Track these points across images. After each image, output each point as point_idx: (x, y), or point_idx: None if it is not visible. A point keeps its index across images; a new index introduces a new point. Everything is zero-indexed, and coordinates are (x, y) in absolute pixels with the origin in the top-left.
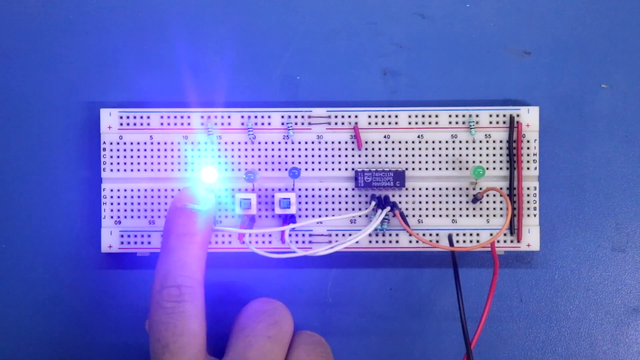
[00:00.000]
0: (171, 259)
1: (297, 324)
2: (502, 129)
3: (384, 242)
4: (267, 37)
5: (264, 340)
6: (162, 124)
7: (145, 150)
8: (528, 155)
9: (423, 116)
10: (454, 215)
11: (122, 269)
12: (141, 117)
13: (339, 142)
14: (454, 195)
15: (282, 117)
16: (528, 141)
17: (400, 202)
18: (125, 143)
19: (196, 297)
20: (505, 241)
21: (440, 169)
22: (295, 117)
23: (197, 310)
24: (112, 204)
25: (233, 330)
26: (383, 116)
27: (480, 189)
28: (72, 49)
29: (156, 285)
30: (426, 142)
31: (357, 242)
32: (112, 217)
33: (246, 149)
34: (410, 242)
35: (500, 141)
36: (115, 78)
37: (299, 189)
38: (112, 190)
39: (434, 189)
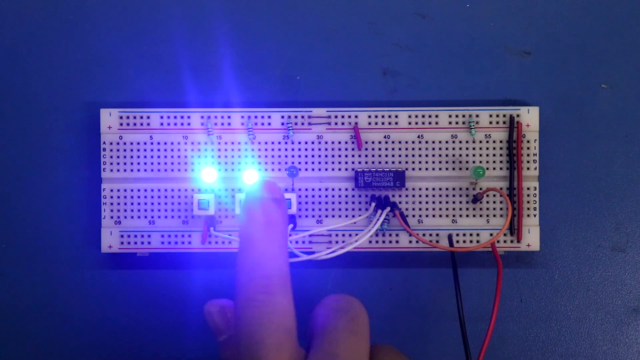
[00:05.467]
0: (257, 250)
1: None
2: (502, 129)
3: (384, 242)
4: (267, 37)
5: (348, 335)
6: (162, 124)
7: (145, 150)
8: (528, 155)
9: (423, 116)
10: (454, 216)
11: (122, 269)
12: (141, 117)
13: (339, 142)
14: (454, 195)
15: (282, 117)
16: (528, 141)
17: (400, 202)
18: (125, 143)
19: (288, 289)
20: (505, 241)
21: (440, 169)
22: (295, 117)
23: (289, 302)
24: (112, 204)
25: (313, 328)
26: (383, 116)
27: (481, 189)
28: (72, 49)
29: (241, 278)
30: (426, 142)
31: (357, 242)
32: (112, 217)
33: (246, 149)
34: (410, 242)
35: (500, 141)
36: (115, 78)
37: (299, 189)
38: (112, 190)
39: (434, 189)
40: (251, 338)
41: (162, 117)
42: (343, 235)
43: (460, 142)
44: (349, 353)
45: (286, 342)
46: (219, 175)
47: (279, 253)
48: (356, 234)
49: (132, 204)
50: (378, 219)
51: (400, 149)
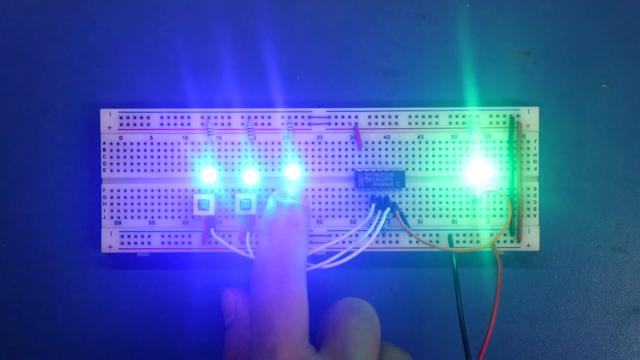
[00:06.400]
0: (277, 242)
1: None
2: (502, 129)
3: (384, 242)
4: (267, 37)
5: (361, 332)
6: (162, 124)
7: (145, 150)
8: (528, 155)
9: (423, 116)
10: (454, 216)
11: (122, 269)
12: (141, 117)
13: (339, 142)
14: (454, 196)
15: (282, 117)
16: (528, 141)
17: (400, 203)
18: (125, 143)
19: (301, 280)
20: (505, 241)
21: (440, 169)
22: (295, 117)
23: (302, 292)
24: (112, 204)
25: (325, 327)
26: (383, 116)
27: (480, 189)
28: (72, 49)
29: (259, 265)
30: (426, 142)
31: (356, 241)
32: (112, 217)
33: (246, 149)
34: (411, 242)
35: (500, 141)
36: (115, 78)
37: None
38: (112, 191)
39: (434, 189)
40: (262, 322)
41: (162, 117)
42: (343, 234)
43: (460, 142)
44: (360, 348)
45: (296, 330)
46: (219, 175)
47: (296, 248)
48: (356, 235)
49: (132, 204)
50: (379, 221)
51: (400, 149)
